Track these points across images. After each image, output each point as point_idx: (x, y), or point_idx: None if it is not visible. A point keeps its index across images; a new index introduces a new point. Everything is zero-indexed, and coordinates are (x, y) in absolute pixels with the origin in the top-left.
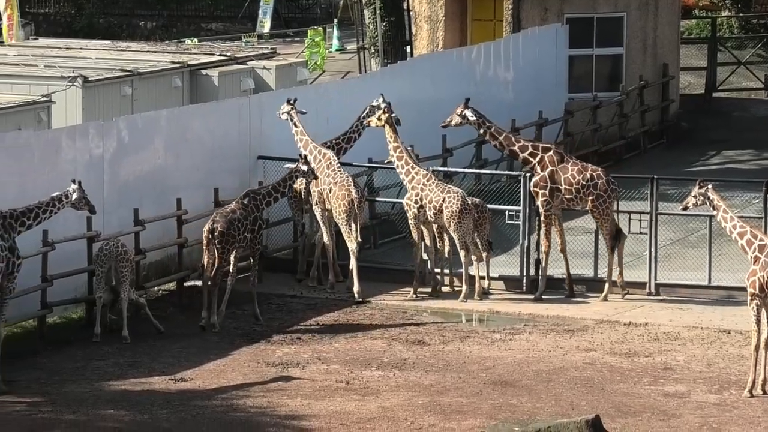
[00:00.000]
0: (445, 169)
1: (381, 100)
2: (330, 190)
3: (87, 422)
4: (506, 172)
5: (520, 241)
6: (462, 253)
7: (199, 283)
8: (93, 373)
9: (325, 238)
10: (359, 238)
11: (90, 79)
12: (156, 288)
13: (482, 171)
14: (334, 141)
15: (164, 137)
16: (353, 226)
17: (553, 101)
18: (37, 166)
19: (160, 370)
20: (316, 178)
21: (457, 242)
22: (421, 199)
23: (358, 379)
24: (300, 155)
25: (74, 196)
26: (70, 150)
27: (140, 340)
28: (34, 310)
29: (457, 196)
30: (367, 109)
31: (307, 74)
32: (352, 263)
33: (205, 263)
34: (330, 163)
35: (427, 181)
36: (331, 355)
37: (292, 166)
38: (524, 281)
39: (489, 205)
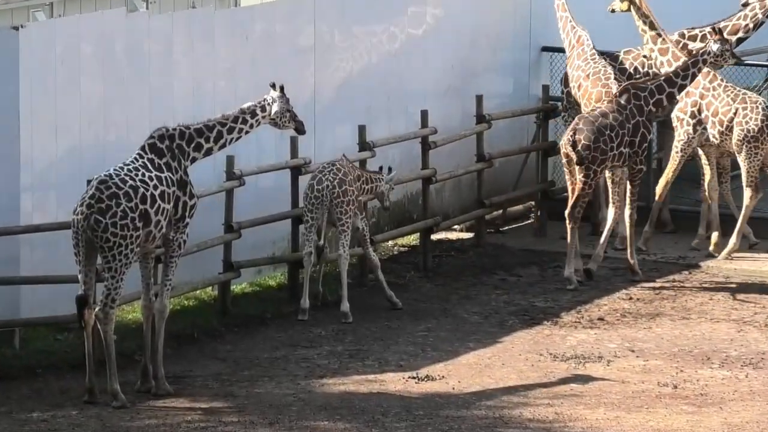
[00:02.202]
0: None
1: None
2: (579, 87)
3: None
4: None
5: None
6: (748, 193)
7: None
8: (298, 366)
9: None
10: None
11: None
12: (390, 242)
13: None
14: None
15: (402, 18)
16: None
17: None
18: (218, 61)
19: (395, 364)
20: (736, 58)
21: (744, 175)
22: (699, 111)
23: (691, 381)
24: (713, 30)
25: (274, 107)
26: (267, 37)
27: (367, 318)
28: (214, 273)
29: (756, 107)
30: None
31: None
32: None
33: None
34: (583, 49)
35: (710, 83)
36: (651, 345)
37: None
38: None
39: None
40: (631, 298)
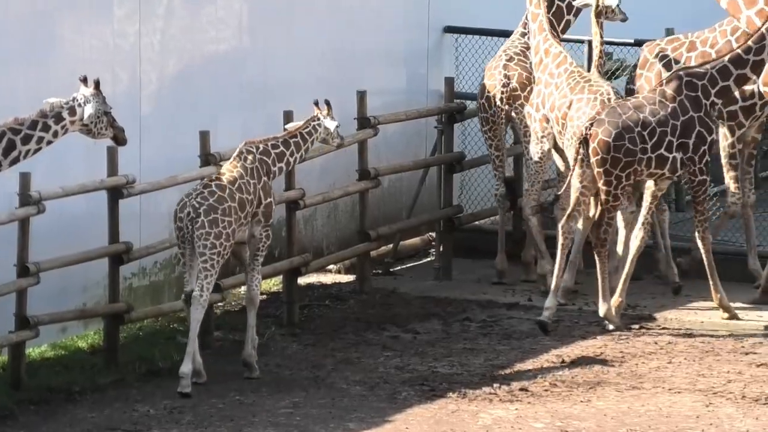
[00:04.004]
0: None
1: None
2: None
3: None
4: None
5: None
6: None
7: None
8: None
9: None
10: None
11: None
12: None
13: None
14: None
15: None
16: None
17: None
18: (11, 49)
19: None
20: None
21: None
22: (543, 103)
23: None
24: None
25: (87, 109)
26: (76, 22)
27: (211, 390)
28: (3, 332)
29: (594, 99)
30: None
31: None
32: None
33: (572, 205)
34: (516, 30)
35: (557, 67)
36: (590, 424)
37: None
38: None
39: None
40: (563, 362)
